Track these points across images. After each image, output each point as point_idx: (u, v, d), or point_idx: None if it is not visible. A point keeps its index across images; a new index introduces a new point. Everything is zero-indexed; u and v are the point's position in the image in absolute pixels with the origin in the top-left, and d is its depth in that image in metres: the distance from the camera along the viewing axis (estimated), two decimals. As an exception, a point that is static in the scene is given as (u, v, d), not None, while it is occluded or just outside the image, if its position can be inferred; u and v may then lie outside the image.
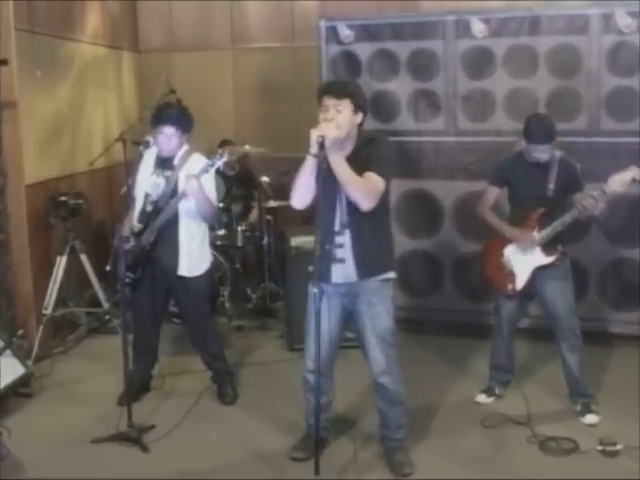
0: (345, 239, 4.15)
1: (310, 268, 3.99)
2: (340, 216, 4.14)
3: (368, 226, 4.15)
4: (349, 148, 4.11)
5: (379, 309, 4.24)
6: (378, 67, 6.54)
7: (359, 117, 4.13)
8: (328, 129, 3.92)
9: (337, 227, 4.14)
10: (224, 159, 4.89)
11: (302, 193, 4.11)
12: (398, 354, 4.39)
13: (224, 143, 7.33)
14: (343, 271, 4.18)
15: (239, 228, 7.20)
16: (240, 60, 8.30)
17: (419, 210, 6.64)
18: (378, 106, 6.50)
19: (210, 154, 4.99)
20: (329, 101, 4.04)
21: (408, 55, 6.44)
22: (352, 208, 4.08)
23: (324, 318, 4.06)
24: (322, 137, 3.87)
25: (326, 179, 3.93)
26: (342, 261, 4.15)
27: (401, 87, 6.49)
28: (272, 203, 7.33)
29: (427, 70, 6.42)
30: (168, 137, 5.09)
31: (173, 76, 7.41)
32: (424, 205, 6.62)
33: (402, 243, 6.63)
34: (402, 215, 6.62)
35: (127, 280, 5.12)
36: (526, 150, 4.90)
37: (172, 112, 5.21)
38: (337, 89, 4.11)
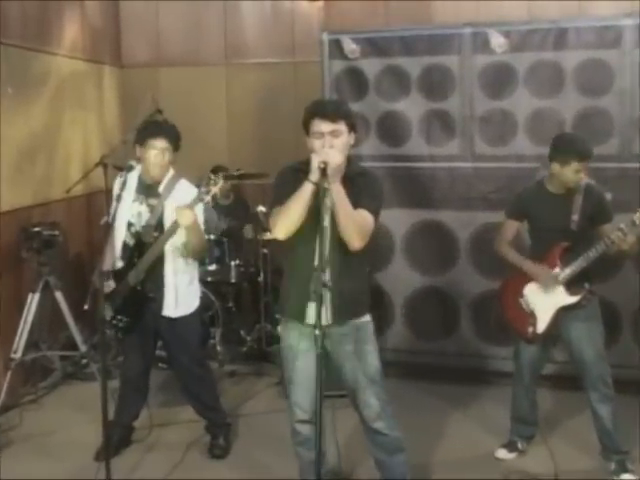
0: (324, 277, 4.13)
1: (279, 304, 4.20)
2: (323, 250, 4.07)
3: (348, 265, 4.16)
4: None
5: (367, 348, 4.27)
6: (387, 85, 6.62)
7: (352, 138, 4.17)
8: (331, 155, 3.94)
9: (316, 262, 4.08)
10: (220, 185, 4.85)
11: (291, 222, 4.06)
12: (389, 397, 4.36)
13: (217, 170, 7.36)
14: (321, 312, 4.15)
15: (232, 263, 7.26)
16: (234, 77, 8.37)
17: (431, 244, 6.69)
18: (386, 128, 6.61)
19: (202, 180, 4.95)
20: (323, 125, 4.05)
21: (420, 72, 6.52)
22: (337, 244, 4.08)
23: (307, 361, 4.06)
24: (325, 163, 3.89)
25: (318, 208, 3.93)
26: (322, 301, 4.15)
27: (412, 107, 6.57)
28: (269, 235, 7.35)
29: (441, 88, 6.50)
30: (161, 152, 5.12)
31: (160, 94, 7.43)
32: (437, 238, 6.67)
33: (413, 280, 6.71)
34: (413, 249, 6.68)
35: (120, 325, 5.21)
36: (553, 177, 4.93)
37: (163, 125, 5.28)
38: (332, 111, 4.11)
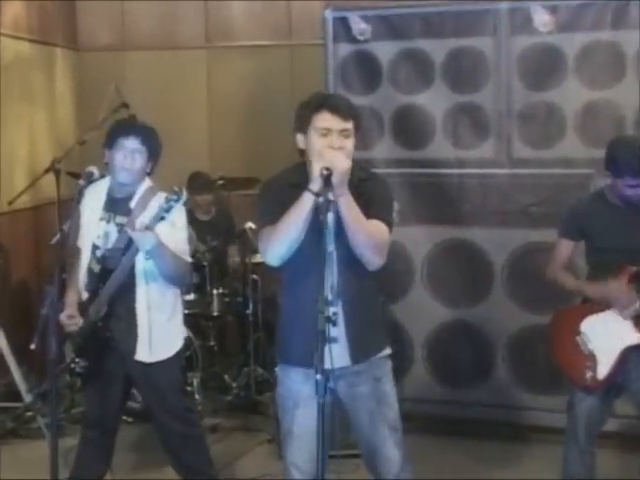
0: (337, 311, 3.97)
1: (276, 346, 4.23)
2: (332, 280, 3.99)
3: (361, 294, 4.17)
4: None
5: (386, 388, 4.27)
6: (404, 73, 6.59)
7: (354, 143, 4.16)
8: (337, 159, 3.86)
9: (329, 294, 3.98)
10: (182, 200, 4.77)
11: (287, 243, 4.00)
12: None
13: (195, 177, 7.33)
14: (335, 353, 3.92)
15: (214, 292, 7.25)
16: (217, 63, 8.41)
17: (459, 268, 6.65)
18: (403, 127, 6.59)
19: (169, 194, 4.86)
20: (334, 122, 4.00)
21: (445, 57, 6.48)
22: (345, 269, 4.04)
23: (310, 410, 3.89)
24: (329, 170, 3.80)
25: (319, 227, 3.82)
26: (335, 340, 3.97)
27: (435, 101, 6.54)
28: (259, 258, 7.30)
29: (471, 78, 6.46)
30: (130, 153, 5.00)
31: (126, 84, 7.47)
32: (466, 261, 6.63)
33: (437, 313, 6.67)
34: (437, 275, 6.65)
35: (77, 369, 5.12)
36: (610, 188, 4.89)
37: (137, 125, 5.26)
38: (345, 106, 4.08)
